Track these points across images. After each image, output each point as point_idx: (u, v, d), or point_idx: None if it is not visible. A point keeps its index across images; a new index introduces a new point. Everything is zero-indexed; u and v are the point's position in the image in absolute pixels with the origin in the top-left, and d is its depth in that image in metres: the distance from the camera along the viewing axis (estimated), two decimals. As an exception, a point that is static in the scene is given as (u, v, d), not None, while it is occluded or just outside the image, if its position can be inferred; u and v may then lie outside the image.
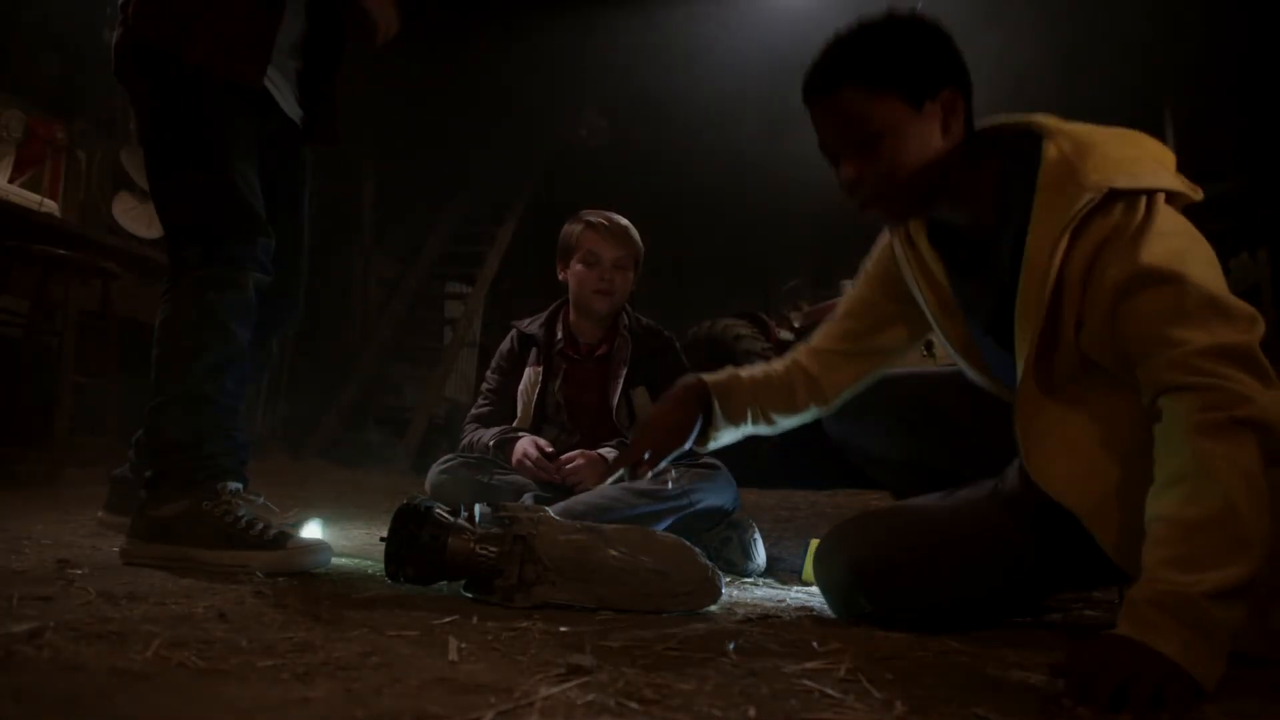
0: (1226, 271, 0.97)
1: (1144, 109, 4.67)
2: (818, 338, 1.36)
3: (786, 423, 1.36)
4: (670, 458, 1.30)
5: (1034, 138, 1.08)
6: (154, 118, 1.45)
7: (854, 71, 1.06)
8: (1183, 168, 1.03)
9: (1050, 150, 1.04)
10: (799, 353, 1.36)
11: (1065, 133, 1.06)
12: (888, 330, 1.32)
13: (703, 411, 1.32)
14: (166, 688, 0.68)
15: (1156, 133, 1.07)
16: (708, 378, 1.34)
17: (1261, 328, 0.92)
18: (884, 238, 1.32)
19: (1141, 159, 1.02)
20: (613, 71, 5.13)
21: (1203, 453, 0.87)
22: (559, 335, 2.01)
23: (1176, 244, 0.96)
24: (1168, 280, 0.93)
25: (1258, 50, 4.49)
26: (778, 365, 1.36)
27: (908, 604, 1.09)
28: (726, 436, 1.35)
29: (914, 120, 1.06)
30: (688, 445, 1.31)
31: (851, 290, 1.37)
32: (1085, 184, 0.98)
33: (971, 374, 1.26)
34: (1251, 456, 0.86)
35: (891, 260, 1.29)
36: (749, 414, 1.33)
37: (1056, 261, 0.99)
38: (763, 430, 1.36)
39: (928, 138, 1.07)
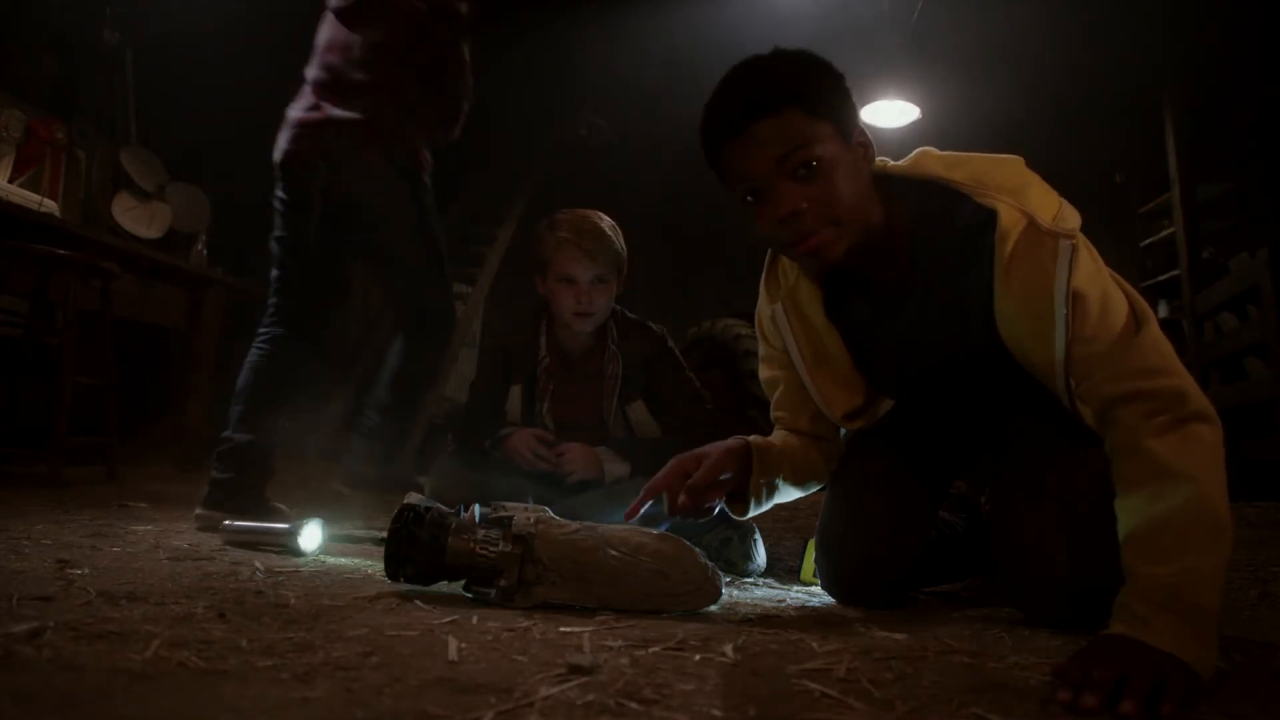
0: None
1: (1144, 108, 4.70)
2: (785, 419, 1.35)
3: (813, 486, 1.36)
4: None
5: (931, 185, 1.11)
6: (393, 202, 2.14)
7: (795, 95, 1.03)
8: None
9: (1005, 214, 1.02)
10: (778, 435, 1.35)
11: (983, 185, 1.06)
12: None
13: (744, 466, 1.26)
14: (166, 688, 0.68)
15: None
16: (749, 439, 1.30)
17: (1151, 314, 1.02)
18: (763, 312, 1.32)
19: (1037, 185, 1.07)
20: (613, 71, 5.13)
21: (1159, 454, 0.91)
22: (543, 351, 1.94)
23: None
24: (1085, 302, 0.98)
25: (1258, 49, 4.49)
26: (775, 440, 1.34)
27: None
28: (765, 499, 1.30)
29: (847, 153, 1.06)
30: (719, 503, 1.26)
31: (765, 374, 1.36)
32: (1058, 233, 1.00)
33: (829, 413, 1.28)
34: (1208, 446, 0.91)
35: (771, 330, 1.30)
36: (782, 473, 1.29)
37: (1061, 310, 0.98)
38: (792, 494, 1.33)
39: (858, 173, 1.07)
